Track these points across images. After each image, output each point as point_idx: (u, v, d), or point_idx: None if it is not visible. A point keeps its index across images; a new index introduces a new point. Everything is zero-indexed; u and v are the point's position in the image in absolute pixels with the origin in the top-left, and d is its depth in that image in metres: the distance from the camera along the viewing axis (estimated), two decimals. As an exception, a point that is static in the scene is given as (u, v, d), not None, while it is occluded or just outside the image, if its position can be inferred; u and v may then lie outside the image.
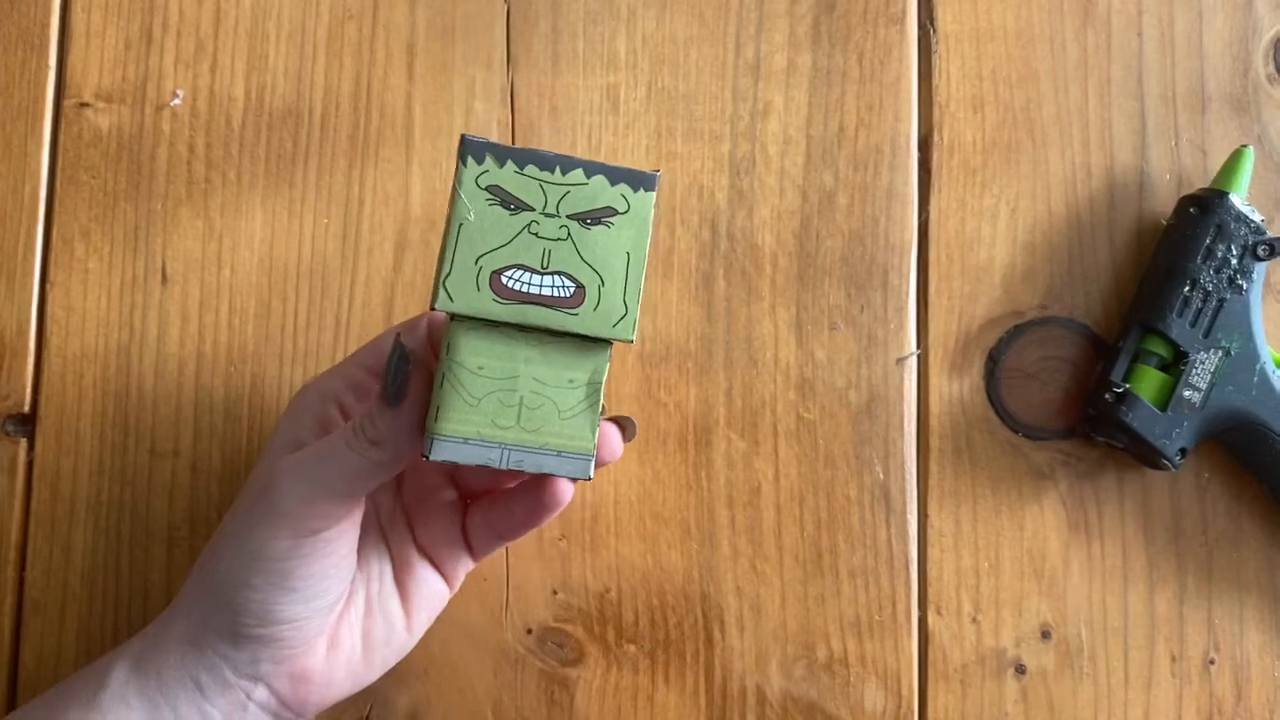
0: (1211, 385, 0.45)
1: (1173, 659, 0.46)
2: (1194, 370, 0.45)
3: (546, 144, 0.48)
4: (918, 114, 0.49)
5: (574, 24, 0.49)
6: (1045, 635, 0.46)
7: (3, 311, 0.47)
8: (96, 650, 0.45)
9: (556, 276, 0.33)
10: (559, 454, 0.34)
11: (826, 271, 0.48)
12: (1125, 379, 0.45)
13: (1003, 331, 0.48)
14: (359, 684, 0.39)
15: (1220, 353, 0.45)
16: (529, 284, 0.33)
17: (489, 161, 0.33)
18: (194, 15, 0.48)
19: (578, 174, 0.33)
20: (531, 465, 0.34)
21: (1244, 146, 0.46)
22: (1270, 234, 0.46)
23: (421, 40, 0.48)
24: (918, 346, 0.48)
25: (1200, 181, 0.48)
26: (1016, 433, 0.47)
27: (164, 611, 0.39)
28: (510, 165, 0.33)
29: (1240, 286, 0.45)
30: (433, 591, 0.41)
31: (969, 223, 0.48)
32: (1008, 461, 0.47)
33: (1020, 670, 0.46)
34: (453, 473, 0.42)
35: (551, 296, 0.33)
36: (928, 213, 0.48)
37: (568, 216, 0.33)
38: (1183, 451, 0.45)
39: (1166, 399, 0.45)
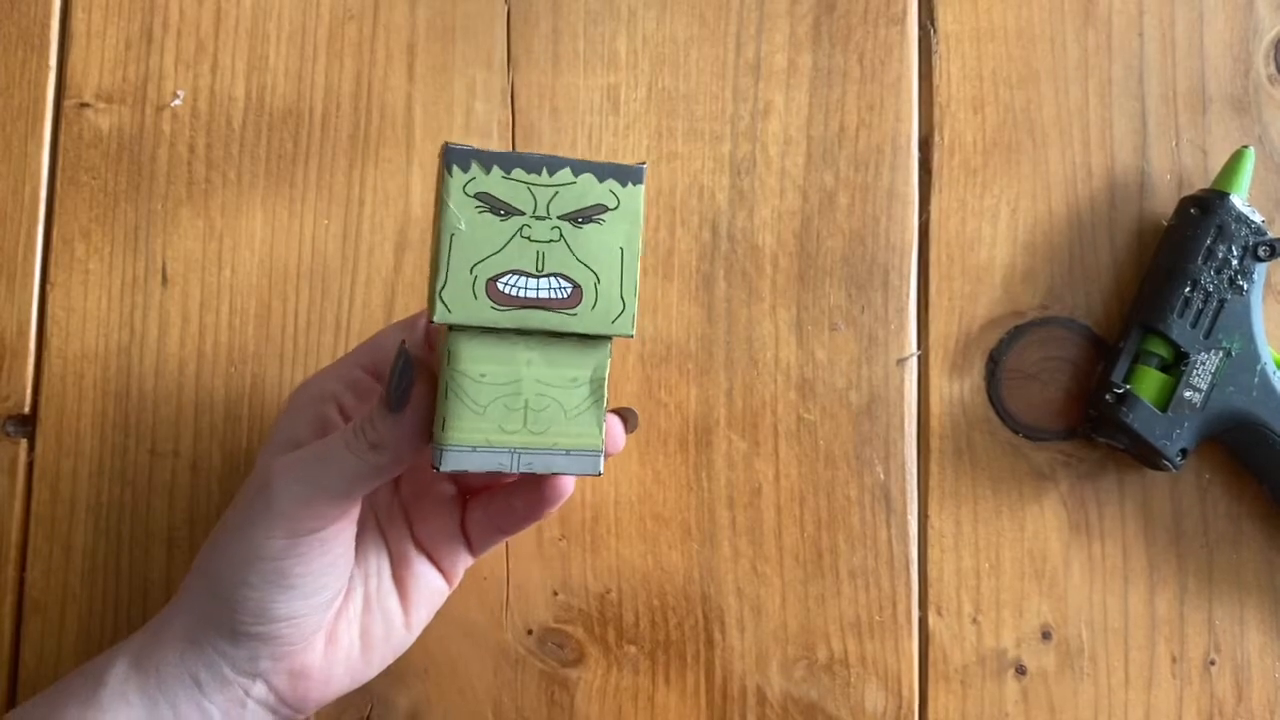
0: (1212, 386, 0.45)
1: (1173, 660, 0.46)
2: (1195, 371, 0.45)
3: (547, 144, 0.48)
4: (918, 114, 0.49)
5: (574, 24, 0.49)
6: (1046, 636, 0.46)
7: (3, 312, 0.46)
8: (96, 650, 0.45)
9: (552, 278, 0.33)
10: (568, 453, 0.34)
11: (827, 272, 0.48)
12: (1126, 380, 0.45)
13: (1003, 332, 0.48)
14: (358, 680, 0.39)
15: (1221, 353, 0.45)
16: (525, 288, 0.33)
17: (475, 168, 0.32)
18: (194, 15, 0.48)
19: (565, 174, 0.33)
20: (542, 466, 0.34)
21: (1245, 147, 0.46)
22: (1271, 235, 0.46)
23: (422, 40, 0.48)
24: (918, 347, 0.48)
25: (1201, 182, 0.48)
26: (1017, 433, 0.47)
27: (163, 609, 0.39)
28: (497, 171, 0.33)
29: (1241, 287, 0.45)
30: (431, 588, 0.41)
31: (969, 223, 0.48)
32: (1008, 462, 0.47)
33: (1021, 671, 0.46)
34: None
35: (549, 299, 0.33)
36: (928, 213, 0.48)
37: (559, 217, 0.33)
38: (1183, 452, 0.45)
39: (1167, 400, 0.45)
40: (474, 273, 0.32)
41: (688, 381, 0.47)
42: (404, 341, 0.35)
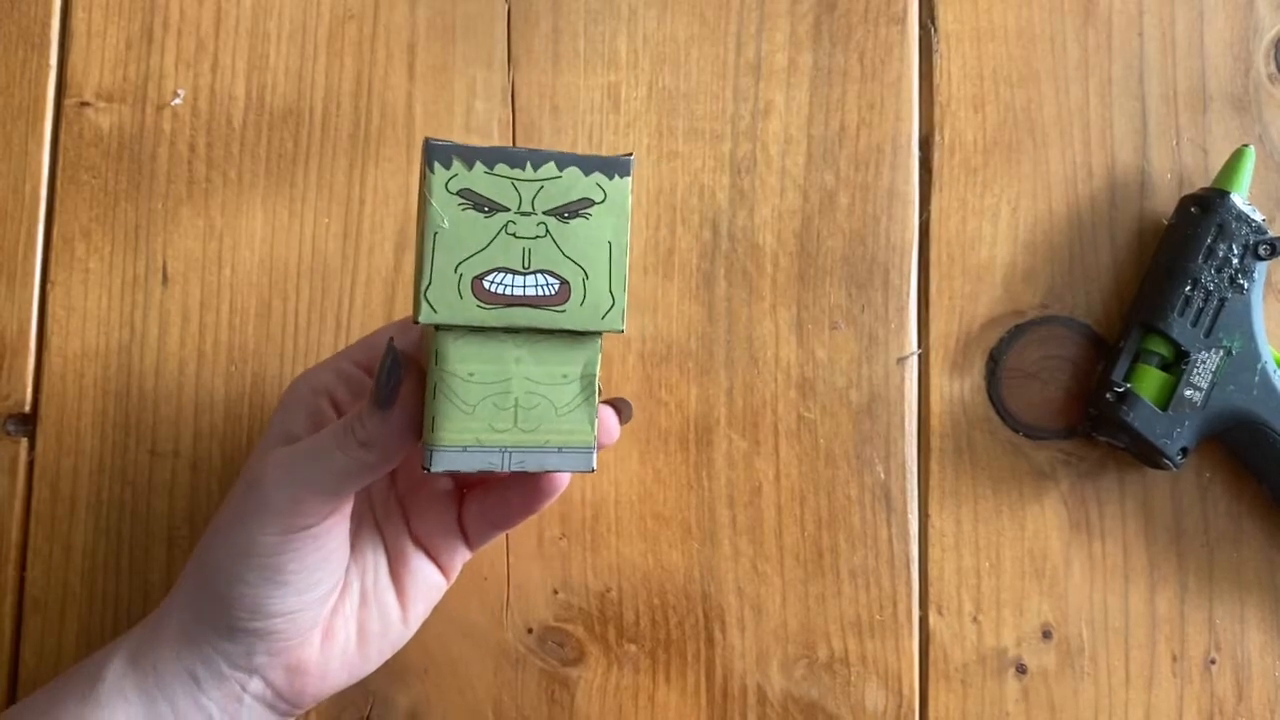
0: (1213, 385, 0.45)
1: (1174, 659, 0.46)
2: (1195, 370, 0.45)
3: (547, 143, 0.48)
4: (919, 113, 0.49)
5: (575, 23, 0.49)
6: (1046, 635, 0.46)
7: (3, 311, 0.46)
8: (96, 649, 0.45)
9: (539, 275, 0.32)
10: (560, 450, 0.34)
11: (827, 271, 0.48)
12: (1126, 378, 0.45)
13: (1003, 331, 0.48)
14: (355, 676, 0.39)
15: (1221, 352, 0.45)
16: (512, 286, 0.32)
17: (457, 165, 0.32)
18: (195, 15, 0.48)
19: (550, 168, 0.32)
20: (534, 464, 0.33)
21: (1245, 146, 0.46)
22: (1271, 233, 0.46)
23: (422, 40, 0.48)
24: (918, 346, 0.48)
25: (1201, 181, 0.48)
26: (1017, 432, 0.47)
27: (159, 606, 0.39)
28: (479, 166, 0.32)
29: (1241, 286, 0.45)
30: (429, 583, 0.41)
31: (970, 222, 0.48)
32: (1009, 461, 0.47)
33: (1021, 670, 0.46)
34: None
35: (536, 296, 0.32)
36: (929, 212, 0.48)
37: (544, 213, 0.32)
38: (1184, 451, 0.45)
39: (1168, 399, 0.45)
40: (459, 271, 0.32)
41: (688, 380, 0.47)
42: (392, 339, 0.35)
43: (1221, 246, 0.45)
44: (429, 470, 0.33)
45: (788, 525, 0.46)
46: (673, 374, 0.47)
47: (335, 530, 0.36)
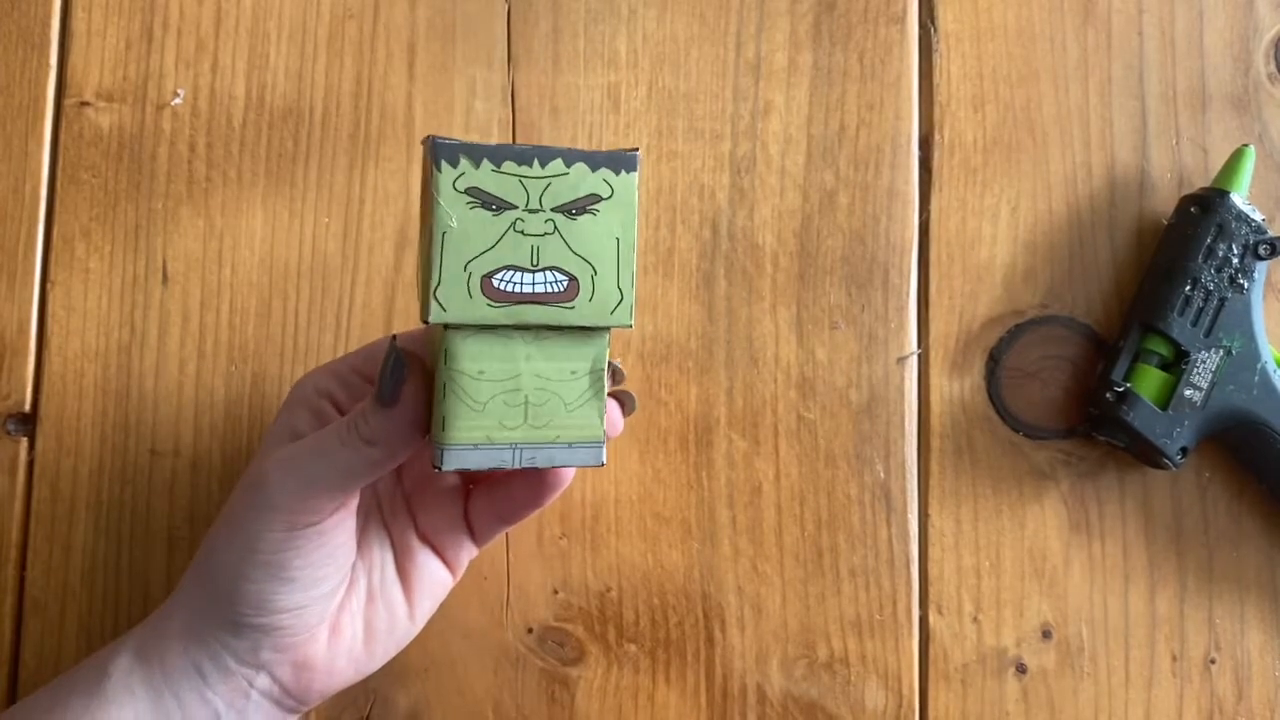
0: (1212, 384, 0.45)
1: (1173, 658, 0.46)
2: (1195, 369, 0.45)
3: (547, 143, 0.48)
4: (918, 113, 0.49)
5: (575, 23, 0.49)
6: (1046, 635, 0.46)
7: (3, 311, 0.46)
8: (96, 650, 0.45)
9: (548, 272, 0.32)
10: (570, 445, 0.34)
11: (827, 271, 0.48)
12: (1126, 378, 0.45)
13: (1003, 331, 0.48)
14: (362, 672, 0.39)
15: (1221, 352, 0.45)
16: (521, 284, 0.32)
17: (464, 163, 0.32)
18: (194, 14, 0.48)
19: (557, 164, 0.32)
20: (544, 460, 0.33)
21: (1245, 145, 0.46)
22: (1271, 233, 0.46)
23: (422, 39, 0.48)
24: (918, 346, 0.48)
25: (1201, 180, 0.48)
26: (1017, 432, 0.47)
27: (165, 602, 0.39)
28: (487, 164, 0.32)
29: (1241, 286, 0.45)
30: (435, 579, 0.41)
31: (970, 222, 0.48)
32: (1008, 461, 0.47)
33: (1021, 670, 0.46)
34: None
35: (545, 293, 0.32)
36: (928, 212, 0.48)
37: (552, 209, 0.32)
38: (1184, 451, 0.45)
39: (1167, 398, 0.45)
40: (468, 270, 0.32)
41: (688, 380, 0.47)
42: (394, 337, 0.35)
43: (1221, 246, 0.45)
44: (440, 469, 0.33)
45: (788, 525, 0.46)
46: (673, 374, 0.47)
47: (340, 526, 0.36)
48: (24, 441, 0.46)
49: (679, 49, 0.49)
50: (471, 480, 0.42)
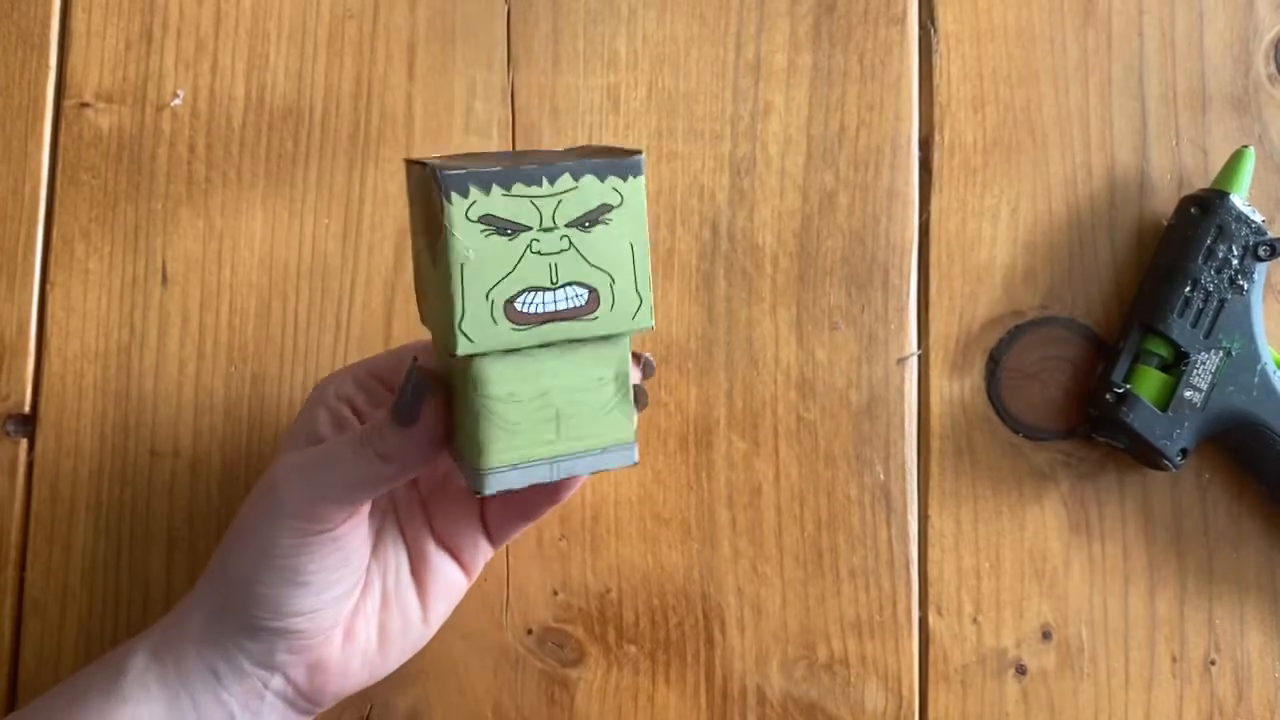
0: (1212, 386, 0.45)
1: (1173, 659, 0.46)
2: (1195, 371, 0.45)
3: (547, 144, 0.48)
4: (918, 114, 0.49)
5: (574, 24, 0.49)
6: (1046, 636, 0.46)
7: (3, 311, 0.46)
8: (96, 650, 0.45)
9: (569, 288, 0.32)
10: (603, 450, 0.34)
11: (827, 271, 0.48)
12: (1126, 379, 0.45)
13: (1003, 331, 0.48)
14: (376, 675, 0.39)
15: (1221, 353, 0.45)
16: (543, 304, 0.32)
17: (474, 192, 0.31)
18: (194, 15, 0.48)
19: (565, 179, 0.32)
20: (582, 469, 0.33)
21: (1245, 147, 0.46)
22: (1271, 234, 0.46)
23: (422, 40, 0.48)
24: (918, 346, 0.48)
25: (1201, 182, 0.48)
26: (1017, 433, 0.47)
27: (179, 603, 0.39)
28: (497, 190, 0.31)
29: (1241, 287, 0.45)
30: (450, 582, 0.41)
31: (970, 222, 0.48)
32: (1008, 462, 0.47)
33: (1021, 671, 0.46)
34: None
35: (568, 309, 0.32)
36: (928, 212, 0.48)
37: (566, 225, 0.32)
38: (1183, 452, 0.45)
39: (1167, 399, 0.45)
40: (490, 298, 0.31)
41: (688, 381, 0.47)
42: (416, 358, 0.35)
43: (1221, 247, 0.45)
44: (482, 494, 0.32)
45: (787, 526, 0.46)
46: (672, 374, 0.47)
47: (354, 532, 0.36)
48: (24, 442, 0.46)
49: (679, 50, 0.49)
50: None
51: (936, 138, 0.48)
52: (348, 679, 0.38)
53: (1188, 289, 0.45)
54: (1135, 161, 0.49)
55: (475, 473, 0.33)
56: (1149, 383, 0.45)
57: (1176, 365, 0.45)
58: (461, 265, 0.31)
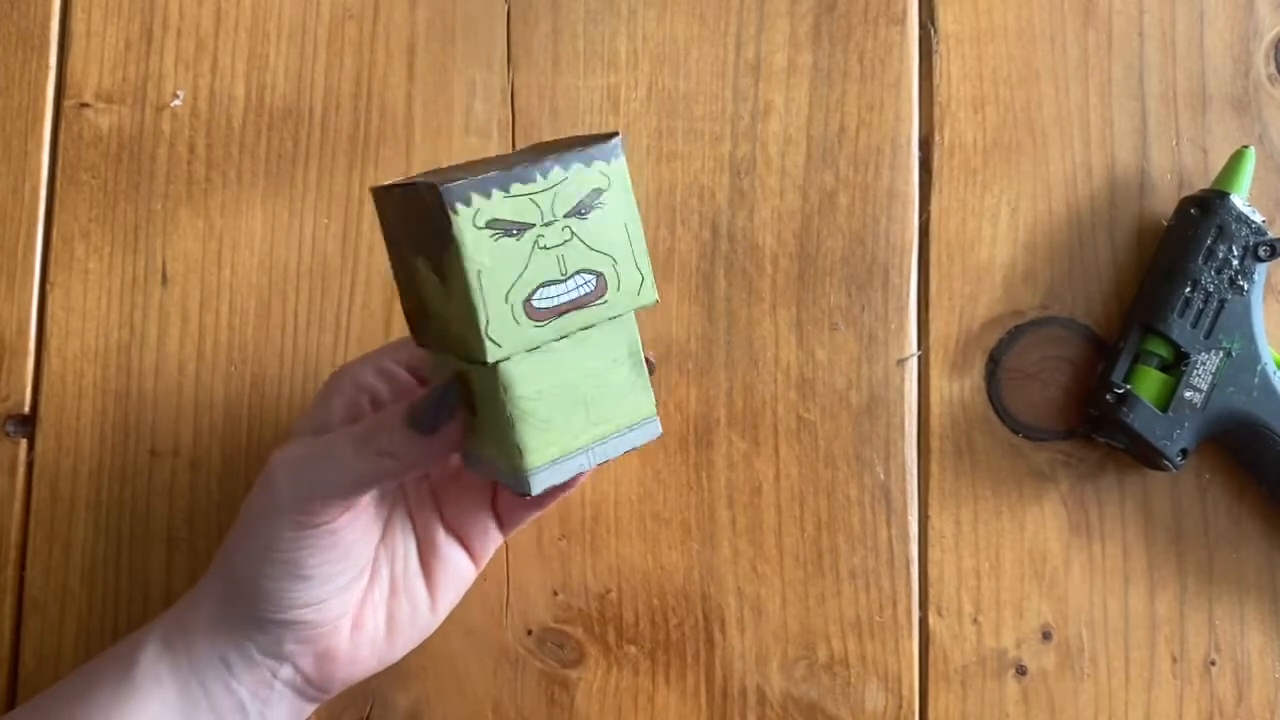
0: (1212, 386, 0.45)
1: (1173, 660, 0.46)
2: (1195, 371, 0.45)
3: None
4: (918, 114, 0.49)
5: (574, 24, 0.49)
6: (1046, 636, 0.46)
7: (3, 311, 0.46)
8: (96, 649, 0.45)
9: (577, 277, 0.33)
10: (631, 428, 0.35)
11: (827, 272, 0.48)
12: (1126, 380, 0.45)
13: (1003, 331, 0.48)
14: (384, 662, 0.40)
15: (1221, 354, 0.45)
16: (557, 296, 0.33)
17: (476, 199, 0.31)
18: (194, 15, 0.48)
19: (557, 172, 0.33)
20: (615, 451, 0.34)
21: (1245, 147, 0.46)
22: (1271, 235, 0.46)
23: (422, 40, 0.48)
24: (918, 347, 0.48)
25: (1201, 182, 0.48)
26: (1017, 433, 0.47)
27: (189, 592, 0.39)
28: (497, 194, 0.32)
29: (1241, 287, 0.45)
30: (458, 571, 0.41)
31: (970, 222, 0.48)
32: (1008, 462, 0.47)
33: (1021, 671, 0.46)
34: None
35: (580, 297, 0.33)
36: (928, 213, 0.48)
37: (564, 216, 0.33)
38: (1184, 452, 0.45)
39: (1167, 400, 0.45)
40: (509, 301, 0.32)
41: (688, 381, 0.47)
42: (458, 372, 0.35)
43: (1221, 248, 0.45)
44: (529, 496, 0.33)
45: (787, 526, 0.46)
46: (672, 374, 0.47)
47: (355, 525, 0.36)
48: (24, 442, 0.46)
49: (679, 50, 0.49)
50: None
51: (936, 138, 0.48)
52: (356, 667, 0.39)
53: (1188, 289, 0.45)
54: (1135, 161, 0.49)
55: (519, 475, 0.33)
56: (1149, 383, 0.45)
57: (1176, 365, 0.45)
58: (478, 273, 0.32)
